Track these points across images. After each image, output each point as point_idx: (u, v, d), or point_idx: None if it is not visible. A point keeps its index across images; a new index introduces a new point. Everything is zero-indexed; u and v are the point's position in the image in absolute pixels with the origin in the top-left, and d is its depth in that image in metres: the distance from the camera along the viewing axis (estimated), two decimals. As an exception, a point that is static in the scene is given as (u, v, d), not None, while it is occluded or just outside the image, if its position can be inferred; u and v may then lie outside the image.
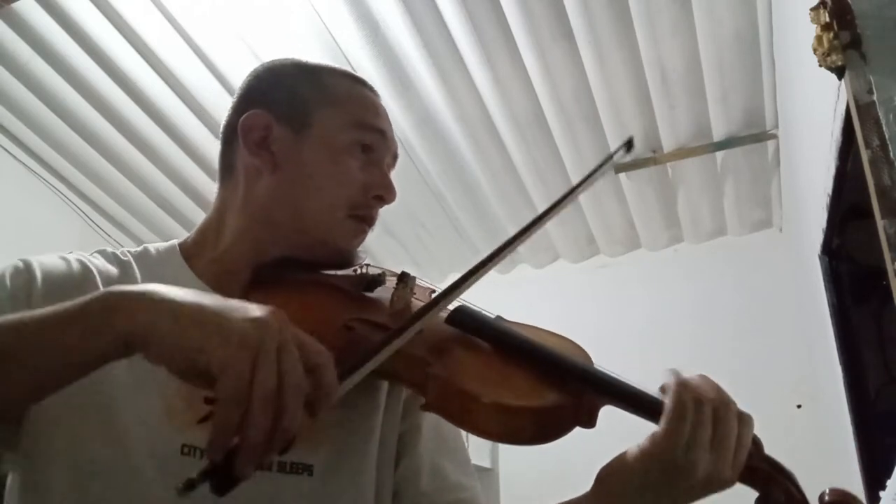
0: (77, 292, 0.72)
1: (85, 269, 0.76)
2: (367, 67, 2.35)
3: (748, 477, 0.69)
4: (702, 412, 0.65)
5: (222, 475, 0.51)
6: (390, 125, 0.86)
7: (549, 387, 0.71)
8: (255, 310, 0.55)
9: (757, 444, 0.70)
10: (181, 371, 0.53)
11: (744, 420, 0.67)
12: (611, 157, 0.79)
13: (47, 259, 0.75)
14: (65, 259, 0.76)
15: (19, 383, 0.55)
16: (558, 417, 0.69)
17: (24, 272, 0.72)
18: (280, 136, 0.81)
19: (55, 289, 0.72)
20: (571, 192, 0.76)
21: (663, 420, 0.65)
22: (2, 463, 0.72)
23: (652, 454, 0.65)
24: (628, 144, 0.80)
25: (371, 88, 0.87)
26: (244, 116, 0.81)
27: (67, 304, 0.56)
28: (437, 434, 0.82)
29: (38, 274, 0.72)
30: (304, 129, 0.81)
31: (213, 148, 3.09)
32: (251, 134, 0.81)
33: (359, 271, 0.83)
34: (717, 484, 0.66)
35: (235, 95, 0.87)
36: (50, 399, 0.65)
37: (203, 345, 0.52)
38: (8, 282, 0.71)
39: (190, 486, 0.49)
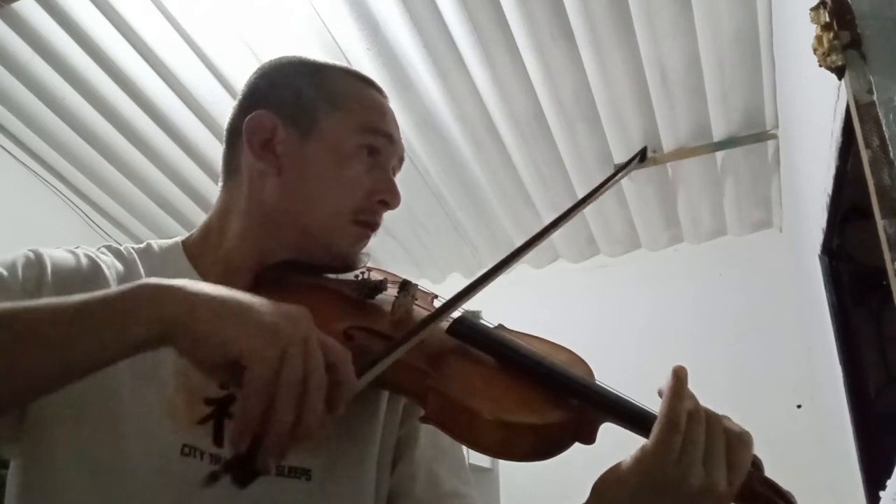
0: (85, 287, 0.72)
1: (93, 264, 0.76)
2: (367, 67, 2.35)
3: (748, 501, 0.67)
4: (693, 424, 0.63)
5: (244, 468, 0.52)
6: (398, 128, 0.85)
7: (550, 403, 0.70)
8: (286, 307, 0.58)
9: (758, 466, 0.68)
10: (211, 362, 0.55)
11: (742, 438, 0.65)
12: (625, 166, 0.78)
13: (57, 252, 0.75)
14: (73, 253, 0.76)
15: (48, 367, 0.55)
16: (558, 434, 0.68)
17: (36, 264, 0.72)
18: (285, 138, 0.79)
19: (64, 282, 0.72)
20: (587, 199, 0.75)
21: (654, 430, 0.63)
22: (2, 446, 0.72)
23: (644, 466, 0.63)
24: (642, 154, 0.80)
25: (379, 90, 0.86)
26: (249, 117, 0.80)
27: (103, 292, 0.57)
28: (434, 440, 0.81)
29: (49, 266, 0.72)
30: (311, 131, 0.80)
31: (213, 148, 3.11)
32: (256, 135, 0.79)
33: (361, 276, 0.82)
34: (713, 500, 0.64)
35: (240, 94, 0.85)
36: (52, 398, 0.65)
37: (237, 335, 0.54)
38: (20, 272, 0.71)
39: (213, 478, 0.51)
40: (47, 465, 0.67)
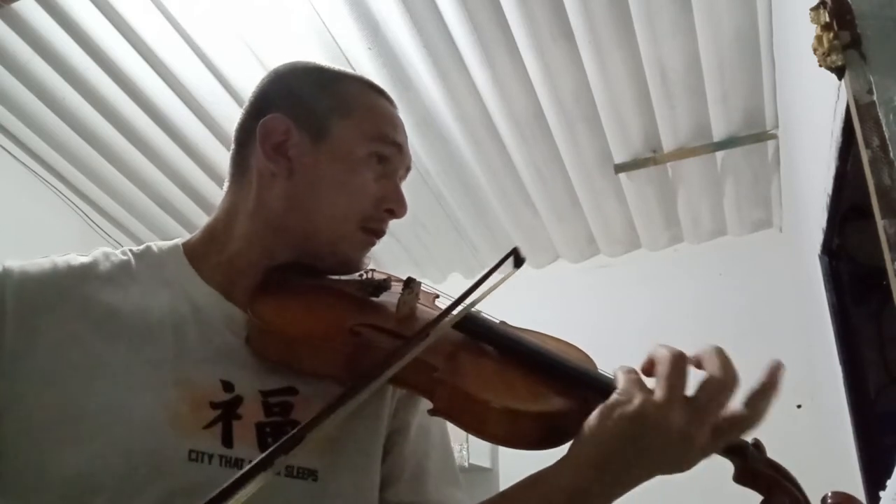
0: (66, 294, 0.72)
1: (76, 271, 0.75)
2: (367, 67, 2.35)
3: (752, 481, 0.69)
4: (674, 363, 0.67)
5: None
6: (406, 138, 0.86)
7: (556, 392, 0.72)
8: None
9: (759, 447, 0.71)
10: None
11: (726, 382, 0.67)
12: (497, 267, 0.78)
13: (32, 265, 0.74)
14: (54, 263, 0.75)
15: None
16: (565, 422, 0.70)
17: (2, 278, 0.71)
18: (298, 142, 0.80)
19: (33, 297, 0.71)
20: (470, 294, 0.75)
21: (619, 374, 0.68)
22: None
23: (620, 402, 0.66)
24: (516, 258, 0.81)
25: (390, 100, 0.87)
26: (264, 119, 0.81)
27: None
28: (426, 437, 0.82)
29: (14, 283, 0.71)
30: (322, 137, 0.80)
31: (213, 148, 3.11)
32: (270, 137, 0.80)
33: (365, 275, 0.84)
34: (691, 445, 0.65)
35: (252, 96, 0.86)
36: (42, 409, 0.65)
37: None
38: None
39: None
40: (41, 482, 0.64)
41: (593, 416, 0.67)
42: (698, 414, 0.65)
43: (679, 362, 0.67)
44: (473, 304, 0.72)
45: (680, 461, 0.66)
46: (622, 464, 0.66)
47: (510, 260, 0.79)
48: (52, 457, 0.64)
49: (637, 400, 0.65)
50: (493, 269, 0.76)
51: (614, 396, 0.67)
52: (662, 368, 0.67)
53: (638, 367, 0.71)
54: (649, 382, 0.68)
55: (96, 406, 0.66)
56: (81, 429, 0.65)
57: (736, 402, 0.67)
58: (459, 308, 0.71)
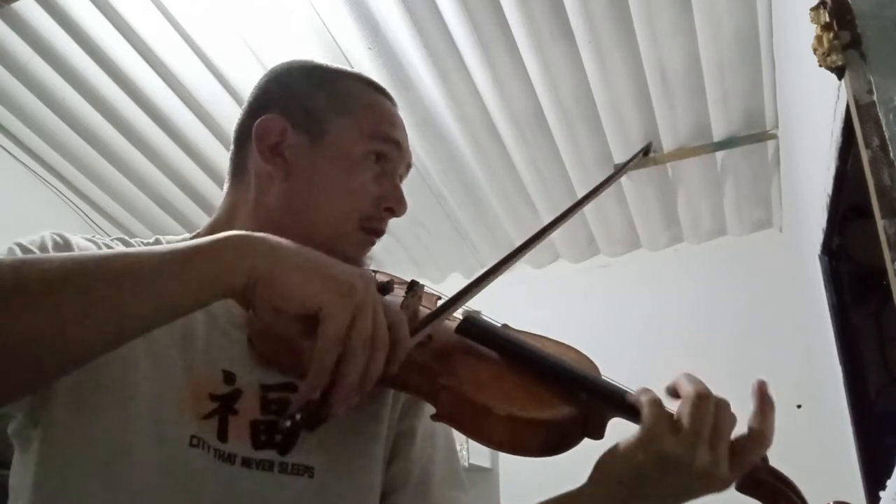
0: None
1: None
2: (367, 67, 2.35)
3: (755, 490, 0.70)
4: (700, 401, 0.66)
5: (315, 414, 0.58)
6: (406, 136, 0.85)
7: (560, 399, 0.71)
8: (355, 267, 0.62)
9: (763, 457, 0.70)
10: (288, 314, 0.57)
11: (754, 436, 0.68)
12: (632, 160, 0.81)
13: (80, 240, 0.75)
14: (93, 242, 0.76)
15: (137, 312, 0.55)
16: (568, 429, 0.70)
17: (64, 248, 0.72)
18: (294, 143, 0.80)
19: None
20: (593, 193, 0.78)
21: (645, 408, 0.68)
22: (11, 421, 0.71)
23: (646, 439, 0.66)
24: (646, 150, 0.83)
25: (389, 97, 0.86)
26: (259, 120, 0.80)
27: (188, 243, 0.58)
28: (432, 441, 0.82)
29: (75, 251, 0.72)
30: (320, 137, 0.80)
31: (213, 148, 3.10)
32: (265, 139, 0.80)
33: None
34: (714, 480, 0.66)
35: (250, 96, 0.86)
36: (78, 383, 0.65)
37: (318, 290, 0.57)
38: (51, 252, 0.71)
39: (289, 418, 0.59)
40: (59, 461, 0.66)
41: (622, 452, 0.68)
42: (719, 450, 0.66)
43: (705, 401, 0.67)
44: (491, 279, 0.73)
45: (707, 492, 0.67)
46: (648, 499, 0.67)
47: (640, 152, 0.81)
48: (73, 432, 0.66)
49: (664, 441, 0.66)
50: (629, 162, 0.79)
51: (642, 433, 0.67)
52: (690, 408, 0.67)
53: (659, 389, 0.71)
54: (671, 405, 0.69)
55: (116, 396, 0.67)
56: (100, 414, 0.66)
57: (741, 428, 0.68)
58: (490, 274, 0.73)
